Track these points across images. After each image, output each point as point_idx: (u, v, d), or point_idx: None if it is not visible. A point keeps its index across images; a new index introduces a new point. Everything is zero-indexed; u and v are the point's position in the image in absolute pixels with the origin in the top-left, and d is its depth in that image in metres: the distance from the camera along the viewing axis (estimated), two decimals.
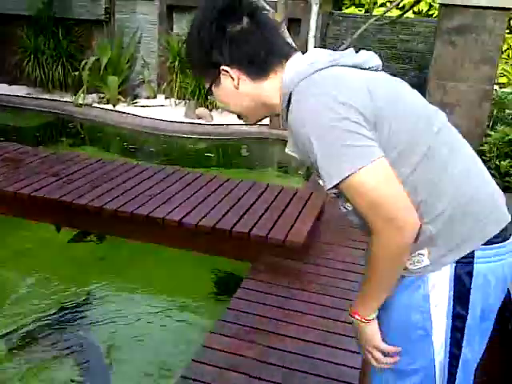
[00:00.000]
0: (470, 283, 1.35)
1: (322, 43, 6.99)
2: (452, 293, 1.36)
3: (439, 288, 1.37)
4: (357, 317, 1.44)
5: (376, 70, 1.43)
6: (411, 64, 7.02)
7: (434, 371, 1.43)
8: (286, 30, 4.53)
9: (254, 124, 1.59)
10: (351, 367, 2.54)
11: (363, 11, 8.77)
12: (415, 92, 1.45)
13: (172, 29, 8.49)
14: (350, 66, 1.37)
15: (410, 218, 1.26)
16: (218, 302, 3.58)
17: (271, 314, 2.97)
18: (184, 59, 7.81)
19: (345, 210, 1.43)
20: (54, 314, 3.40)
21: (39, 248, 4.20)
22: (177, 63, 7.90)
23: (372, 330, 1.44)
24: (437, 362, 1.42)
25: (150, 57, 8.53)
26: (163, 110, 7.82)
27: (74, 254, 4.15)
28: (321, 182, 1.37)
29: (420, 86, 6.48)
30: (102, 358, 3.03)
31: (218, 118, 7.44)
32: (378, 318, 1.46)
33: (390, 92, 1.37)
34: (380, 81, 1.39)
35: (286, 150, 1.49)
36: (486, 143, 4.91)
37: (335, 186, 1.28)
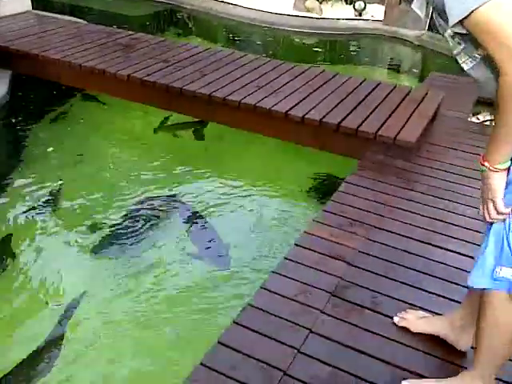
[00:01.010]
0: None
1: None
2: None
3: None
4: (486, 164, 1.43)
5: None
6: None
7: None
8: None
9: None
10: (453, 267, 2.50)
11: None
12: None
13: None
14: None
15: None
16: (319, 198, 3.59)
17: (374, 209, 2.93)
18: None
19: (471, 64, 1.41)
20: (164, 193, 3.61)
21: (148, 133, 4.40)
22: None
23: (497, 181, 1.43)
24: None
25: None
26: (271, 2, 7.54)
27: (180, 142, 4.31)
28: (447, 32, 1.39)
29: None
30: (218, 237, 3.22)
31: (328, 11, 7.07)
32: None
33: None
34: None
35: (412, 5, 1.51)
36: None
37: (461, 23, 1.27)
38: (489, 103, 4.20)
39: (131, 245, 3.12)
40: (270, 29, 6.95)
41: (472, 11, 1.23)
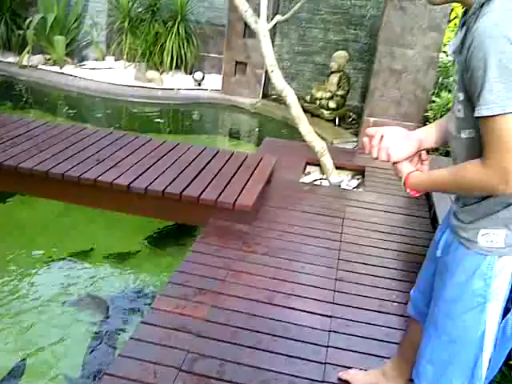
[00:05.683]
0: None
1: (276, 2, 6.90)
2: None
3: (505, 264, 1.46)
4: (407, 190, 1.61)
5: None
6: (362, 30, 7.05)
7: (482, 340, 1.52)
8: None
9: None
10: (298, 324, 2.67)
11: None
12: None
13: None
14: None
15: None
16: (165, 267, 3.62)
17: (220, 275, 3.04)
18: (134, 19, 7.59)
19: (463, 136, 1.45)
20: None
21: None
22: (127, 24, 7.66)
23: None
24: (487, 330, 1.51)
25: (98, 17, 8.22)
26: (112, 73, 7.61)
27: (16, 219, 4.09)
28: (460, 111, 1.41)
29: (370, 51, 6.55)
30: None
31: (169, 81, 7.32)
32: (442, 280, 1.60)
33: None
34: None
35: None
36: (431, 109, 5.05)
37: (488, 116, 1.26)
38: (317, 164, 4.64)
39: None
40: (112, 100, 6.96)
41: (505, 113, 1.23)
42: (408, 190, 1.62)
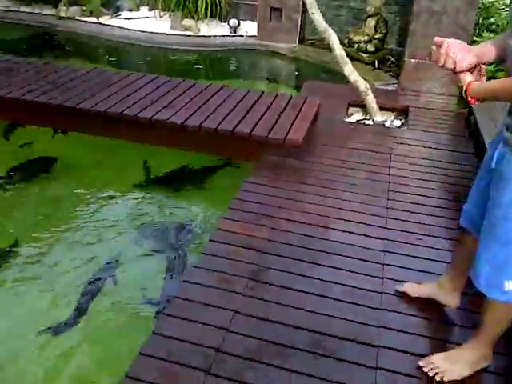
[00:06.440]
0: None
1: None
2: None
3: None
4: (468, 97, 1.77)
5: None
6: None
7: None
8: None
9: None
10: (354, 245, 2.86)
11: None
12: None
13: None
14: None
15: None
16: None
17: (275, 202, 3.23)
18: None
19: None
20: None
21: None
22: None
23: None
24: None
25: None
26: (148, 22, 7.68)
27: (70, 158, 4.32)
28: None
29: None
30: None
31: (205, 29, 7.37)
32: (498, 188, 1.78)
33: None
34: None
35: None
36: None
37: None
38: (359, 106, 4.74)
39: None
40: (151, 48, 7.05)
41: None
42: (469, 98, 1.76)
